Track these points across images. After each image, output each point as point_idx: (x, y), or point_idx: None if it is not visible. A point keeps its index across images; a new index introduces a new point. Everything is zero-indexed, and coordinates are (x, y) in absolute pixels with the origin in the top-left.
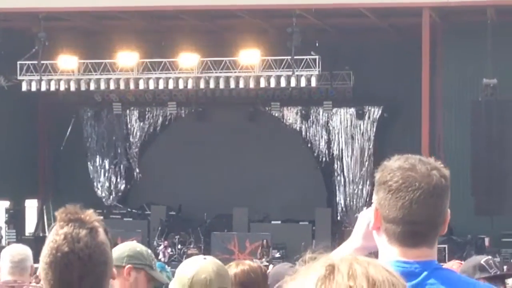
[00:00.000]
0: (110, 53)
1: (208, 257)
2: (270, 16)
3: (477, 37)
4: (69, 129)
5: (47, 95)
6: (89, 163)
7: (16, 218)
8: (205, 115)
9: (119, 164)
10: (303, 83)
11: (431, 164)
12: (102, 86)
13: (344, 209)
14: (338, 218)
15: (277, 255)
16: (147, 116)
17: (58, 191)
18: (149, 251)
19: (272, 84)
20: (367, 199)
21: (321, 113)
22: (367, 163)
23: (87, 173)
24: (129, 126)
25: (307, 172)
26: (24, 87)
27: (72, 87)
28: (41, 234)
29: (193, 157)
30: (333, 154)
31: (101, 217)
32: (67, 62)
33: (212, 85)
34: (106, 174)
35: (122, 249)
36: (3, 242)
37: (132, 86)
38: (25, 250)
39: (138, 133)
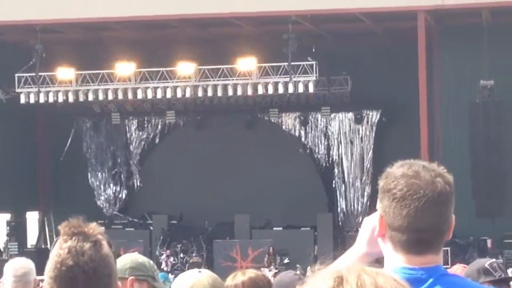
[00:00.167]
0: (107, 64)
1: (203, 270)
2: (266, 23)
3: (473, 39)
4: (69, 141)
5: (45, 107)
6: (89, 173)
7: (17, 231)
8: (203, 123)
9: (119, 174)
10: (300, 89)
11: (435, 171)
12: (100, 96)
13: (345, 213)
14: (340, 223)
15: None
16: (146, 126)
17: (58, 202)
18: (151, 262)
19: (270, 90)
20: (368, 204)
21: (319, 118)
22: (366, 167)
23: (87, 183)
24: (128, 136)
25: (307, 178)
26: (22, 100)
27: (71, 98)
28: (43, 246)
29: (193, 165)
30: (332, 159)
31: (103, 229)
32: (65, 73)
33: (210, 93)
34: (107, 184)
35: (124, 261)
36: (5, 255)
37: (130, 96)
38: (28, 264)
39: (137, 143)
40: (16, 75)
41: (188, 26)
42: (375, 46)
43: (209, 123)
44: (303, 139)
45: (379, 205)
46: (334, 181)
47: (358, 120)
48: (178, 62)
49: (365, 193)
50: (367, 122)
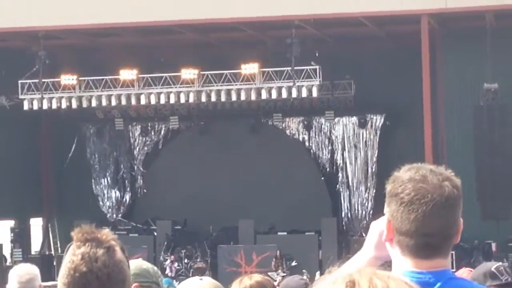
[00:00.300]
0: (110, 70)
1: (204, 277)
2: (269, 28)
3: (477, 42)
4: (73, 147)
5: (48, 113)
6: (92, 179)
7: (21, 237)
8: (207, 128)
9: (123, 180)
10: (304, 94)
11: (443, 175)
12: (104, 102)
13: (349, 218)
14: (344, 227)
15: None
16: (149, 131)
17: (62, 209)
18: (155, 268)
19: (274, 95)
20: (372, 208)
21: (323, 123)
22: (371, 171)
23: (91, 189)
24: (131, 141)
25: (311, 182)
26: (26, 106)
27: (74, 105)
28: (47, 253)
29: (196, 171)
30: (336, 163)
31: (117, 236)
32: (68, 79)
33: (213, 98)
34: (110, 190)
35: None
36: (9, 261)
37: (133, 102)
38: (32, 270)
39: (141, 148)
40: (20, 81)
41: (191, 31)
42: (379, 50)
43: (212, 128)
44: (307, 143)
45: (386, 210)
46: (338, 186)
47: (362, 124)
48: (181, 67)
49: (370, 198)
50: (371, 126)
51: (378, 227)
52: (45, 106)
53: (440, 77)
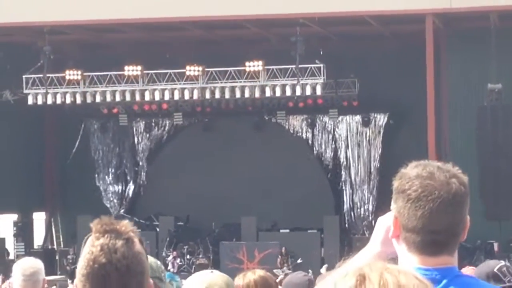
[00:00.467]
0: (115, 66)
1: (214, 270)
2: (274, 26)
3: (481, 43)
4: (77, 143)
5: (53, 108)
6: (96, 174)
7: (24, 231)
8: (211, 125)
9: (126, 175)
10: (308, 92)
11: (450, 172)
12: (108, 98)
13: (352, 216)
14: (346, 225)
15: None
16: (153, 127)
17: (65, 203)
18: (158, 262)
19: (278, 93)
20: (375, 206)
21: (327, 121)
22: (374, 170)
23: (94, 184)
24: (135, 137)
25: (314, 180)
26: (30, 101)
27: (78, 100)
28: (49, 247)
29: (199, 167)
30: (340, 161)
31: (136, 227)
32: (73, 75)
33: (217, 95)
34: (113, 186)
35: None
36: (12, 255)
37: (138, 98)
38: (36, 264)
39: (144, 144)
40: (24, 76)
41: (196, 28)
42: (383, 49)
43: (216, 125)
44: (310, 141)
45: (393, 206)
46: (341, 184)
47: (366, 123)
48: (185, 64)
49: (372, 196)
50: (375, 125)
51: (385, 223)
52: (49, 101)
53: (444, 77)
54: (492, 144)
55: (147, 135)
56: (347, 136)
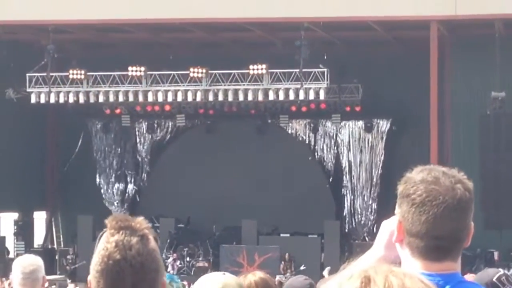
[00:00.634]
0: (118, 66)
1: (226, 273)
2: (279, 29)
3: (485, 50)
4: (79, 143)
5: (56, 107)
6: (97, 174)
7: (24, 230)
8: (213, 127)
9: (127, 176)
10: (311, 96)
11: (455, 177)
12: (111, 98)
13: (353, 222)
14: (347, 231)
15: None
16: (156, 128)
17: (66, 203)
18: None
19: (281, 97)
20: (376, 213)
21: (329, 126)
22: (376, 176)
23: (95, 185)
24: (137, 138)
25: (316, 185)
26: (33, 99)
27: (81, 99)
28: (49, 246)
29: (201, 170)
30: (341, 166)
31: (151, 225)
32: (76, 74)
33: (220, 98)
34: (115, 186)
35: None
36: (12, 254)
37: (141, 99)
38: (36, 261)
39: (146, 146)
40: (28, 74)
41: (200, 30)
42: (387, 54)
43: (218, 127)
44: (312, 146)
45: (397, 210)
46: (342, 189)
47: (368, 129)
48: (189, 66)
49: (374, 202)
50: (377, 130)
51: (389, 227)
52: (52, 100)
53: (447, 83)
54: (494, 152)
55: (150, 136)
56: (349, 142)
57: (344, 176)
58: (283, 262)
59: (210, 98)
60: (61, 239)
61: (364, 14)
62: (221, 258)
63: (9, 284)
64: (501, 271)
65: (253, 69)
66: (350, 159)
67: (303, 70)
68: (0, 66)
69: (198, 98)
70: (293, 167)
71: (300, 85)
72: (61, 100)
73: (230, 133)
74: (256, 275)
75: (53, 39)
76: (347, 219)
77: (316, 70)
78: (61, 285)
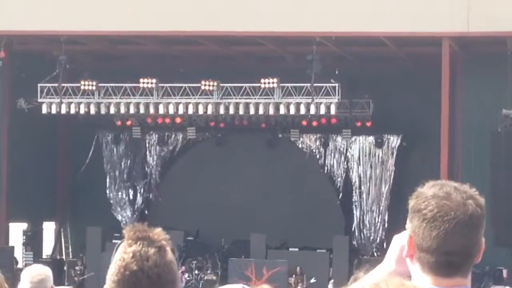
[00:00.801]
0: (130, 77)
1: (245, 286)
2: (290, 43)
3: (497, 68)
4: (90, 155)
5: (67, 118)
6: (107, 186)
7: (33, 240)
8: (224, 140)
9: (137, 188)
10: (322, 111)
11: (467, 193)
12: (122, 110)
13: (362, 237)
14: (356, 246)
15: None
16: (166, 141)
17: (75, 214)
18: None
19: (292, 111)
20: (386, 228)
21: (340, 141)
22: (385, 191)
23: (105, 196)
24: (148, 150)
25: (325, 199)
26: (44, 110)
27: (92, 110)
28: (58, 257)
29: (211, 183)
30: (351, 182)
31: (169, 236)
32: (88, 85)
33: (231, 111)
34: (124, 198)
35: None
36: (21, 264)
37: (152, 111)
38: (45, 271)
39: (156, 158)
40: (39, 85)
41: (212, 43)
42: (399, 70)
43: (229, 140)
44: (322, 160)
45: (408, 225)
46: (352, 204)
47: (379, 144)
48: (201, 78)
49: (383, 218)
50: (388, 146)
51: (400, 242)
52: (63, 111)
53: (459, 100)
54: (505, 170)
55: (160, 149)
56: (359, 157)
57: (354, 191)
58: (294, 276)
59: (221, 111)
60: (70, 250)
61: (376, 30)
62: (230, 271)
63: None
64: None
65: (265, 83)
66: (360, 174)
67: (315, 84)
68: (12, 76)
69: (209, 111)
70: (303, 181)
71: (311, 99)
72: (72, 111)
73: (241, 146)
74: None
75: (65, 50)
76: (356, 234)
77: (327, 84)
78: None
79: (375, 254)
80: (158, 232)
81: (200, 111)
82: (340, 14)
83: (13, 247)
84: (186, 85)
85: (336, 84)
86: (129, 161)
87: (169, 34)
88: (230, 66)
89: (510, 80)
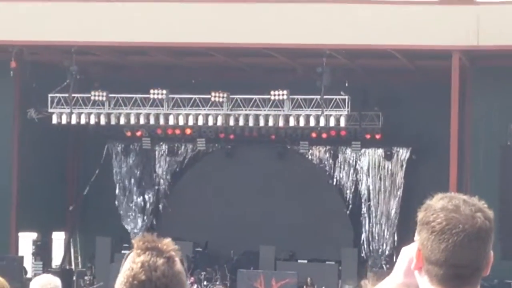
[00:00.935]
0: (140, 88)
1: None
2: (300, 55)
3: (507, 81)
4: (100, 165)
5: (77, 128)
6: (116, 196)
7: (43, 250)
8: (233, 152)
9: (146, 199)
10: (332, 123)
11: (476, 206)
12: (132, 120)
13: (371, 249)
14: (365, 258)
15: None
16: (176, 152)
17: (85, 224)
18: None
19: (301, 123)
20: (395, 241)
21: (349, 153)
22: (394, 204)
23: (114, 206)
24: (157, 161)
25: (334, 212)
26: (54, 120)
27: (102, 121)
28: (67, 267)
29: (220, 194)
30: (360, 194)
31: (178, 247)
32: (98, 96)
33: (241, 123)
34: (134, 208)
35: None
36: (30, 274)
37: (162, 122)
38: (54, 281)
39: (166, 169)
40: (50, 95)
41: (223, 54)
42: (408, 83)
43: (239, 152)
44: (332, 172)
45: (417, 237)
46: (361, 216)
47: (388, 157)
48: (210, 89)
49: (392, 230)
50: (397, 159)
51: (408, 254)
52: (73, 121)
53: (468, 114)
54: None
55: (170, 160)
56: (368, 169)
57: (363, 203)
58: (304, 287)
59: (231, 122)
60: (79, 260)
61: (386, 43)
62: (238, 282)
63: None
64: None
65: (274, 95)
66: (369, 187)
67: (324, 96)
68: (22, 86)
69: (219, 123)
70: (312, 193)
71: (321, 111)
72: (83, 121)
73: (250, 158)
74: None
75: (76, 61)
76: (365, 246)
77: (337, 97)
78: None
79: (384, 266)
80: (167, 243)
81: (210, 123)
82: (350, 27)
83: (22, 257)
84: (196, 96)
85: (346, 97)
86: (138, 172)
87: (179, 46)
88: (240, 77)
89: None
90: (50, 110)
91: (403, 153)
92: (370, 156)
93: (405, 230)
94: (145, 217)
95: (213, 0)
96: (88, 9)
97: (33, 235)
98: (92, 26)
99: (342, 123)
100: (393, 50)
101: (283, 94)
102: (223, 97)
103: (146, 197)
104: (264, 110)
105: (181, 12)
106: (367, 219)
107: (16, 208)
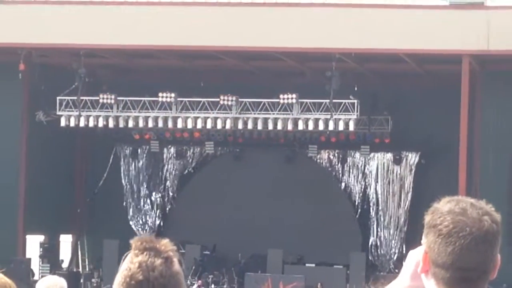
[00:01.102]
0: (149, 91)
1: None
2: (310, 59)
3: None
4: (108, 168)
5: (85, 131)
6: (124, 199)
7: (50, 253)
8: (242, 155)
9: (155, 202)
10: (341, 127)
11: (483, 209)
12: (141, 123)
13: (379, 254)
14: (373, 262)
15: None
16: (184, 155)
17: (93, 227)
18: None
19: (310, 127)
20: (403, 245)
21: (358, 157)
22: (403, 208)
23: (122, 209)
24: (166, 164)
25: (342, 216)
26: (62, 122)
27: (111, 124)
28: (74, 269)
29: (229, 197)
30: (369, 198)
31: (176, 247)
32: (107, 98)
33: (250, 126)
34: (142, 211)
35: None
36: (37, 276)
37: (170, 125)
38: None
39: (174, 172)
40: (58, 98)
41: (232, 58)
42: (418, 87)
43: (247, 155)
44: (340, 176)
45: (424, 240)
46: (369, 221)
47: (397, 161)
48: (219, 93)
49: (401, 234)
50: (406, 163)
51: (415, 257)
52: (82, 124)
53: (478, 118)
54: None
55: (178, 163)
56: (377, 173)
57: (371, 208)
58: None
59: (240, 126)
60: (87, 262)
61: (396, 47)
62: (246, 286)
63: None
64: None
65: (283, 98)
66: (378, 191)
67: (333, 100)
68: (31, 88)
69: (228, 126)
70: (320, 197)
71: (330, 115)
72: (91, 124)
73: (258, 161)
74: None
75: (84, 63)
76: (373, 250)
77: (346, 101)
78: None
79: (392, 270)
80: (165, 243)
81: (219, 126)
82: (360, 31)
83: (30, 259)
84: (205, 99)
85: (355, 101)
86: (146, 175)
87: (188, 49)
88: (249, 81)
89: None
90: (58, 113)
91: (412, 158)
92: (379, 160)
93: (413, 235)
94: (153, 220)
95: (223, 4)
96: (97, 12)
97: (41, 238)
98: (101, 29)
99: (351, 127)
100: (403, 54)
101: (292, 98)
102: (232, 101)
103: (154, 200)
104: (273, 114)
105: (190, 15)
106: (375, 223)
107: (24, 211)
